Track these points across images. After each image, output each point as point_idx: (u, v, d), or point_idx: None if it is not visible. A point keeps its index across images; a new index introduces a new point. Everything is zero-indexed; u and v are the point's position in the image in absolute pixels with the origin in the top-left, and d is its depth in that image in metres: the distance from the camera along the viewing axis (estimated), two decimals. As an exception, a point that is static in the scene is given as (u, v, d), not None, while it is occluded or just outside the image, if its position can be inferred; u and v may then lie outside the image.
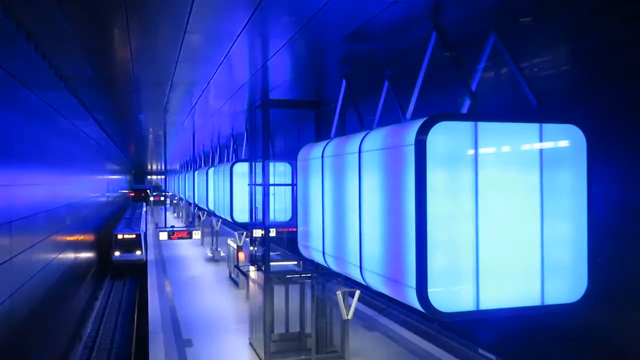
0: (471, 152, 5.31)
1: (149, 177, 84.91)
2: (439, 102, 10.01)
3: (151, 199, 77.85)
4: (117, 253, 29.03)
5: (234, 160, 16.09)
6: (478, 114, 5.76)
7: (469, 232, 5.27)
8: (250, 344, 12.51)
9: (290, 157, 13.79)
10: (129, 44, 7.80)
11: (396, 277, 5.65)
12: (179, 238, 20.49)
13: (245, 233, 19.17)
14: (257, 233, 12.72)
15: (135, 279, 27.66)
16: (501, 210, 5.43)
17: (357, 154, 6.64)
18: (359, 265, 6.58)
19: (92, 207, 24.88)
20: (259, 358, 11.52)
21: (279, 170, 13.68)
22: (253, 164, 12.53)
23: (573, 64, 8.13)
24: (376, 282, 6.27)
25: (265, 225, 11.64)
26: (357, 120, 8.13)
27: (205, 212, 27.69)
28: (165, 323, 14.58)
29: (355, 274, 6.81)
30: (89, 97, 14.61)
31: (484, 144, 5.35)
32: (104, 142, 28.04)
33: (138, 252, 28.86)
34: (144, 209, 52.77)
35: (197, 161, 29.13)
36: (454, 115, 5.46)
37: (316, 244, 8.38)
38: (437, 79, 7.97)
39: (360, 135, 6.71)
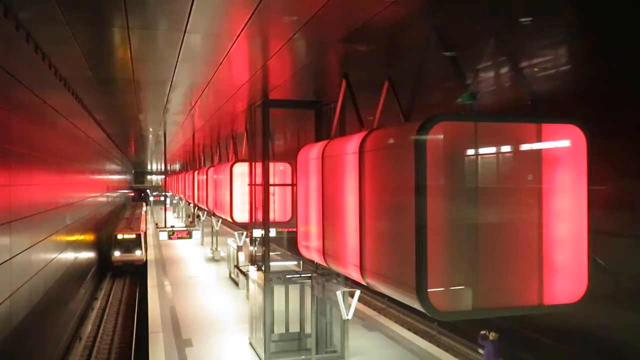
0: (471, 151, 5.32)
1: (149, 177, 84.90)
2: (439, 101, 10.04)
3: (151, 198, 77.91)
4: (117, 253, 29.00)
5: (234, 160, 16.09)
6: (478, 114, 5.77)
7: (468, 232, 5.28)
8: (250, 344, 12.51)
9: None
10: (129, 44, 7.81)
11: (396, 277, 5.65)
12: (179, 238, 20.51)
13: (245, 233, 19.17)
14: (257, 233, 12.72)
15: (136, 279, 27.65)
16: (501, 210, 5.43)
17: (357, 154, 6.64)
18: (359, 265, 6.58)
19: (91, 207, 24.88)
20: (259, 358, 11.53)
21: (279, 170, 13.70)
22: (253, 164, 12.53)
23: (573, 64, 8.14)
24: (376, 282, 6.27)
25: (265, 225, 11.65)
26: (357, 120, 8.14)
27: (205, 212, 27.69)
28: (165, 323, 14.58)
29: (355, 274, 6.81)
30: (89, 97, 14.63)
31: (483, 144, 5.36)
32: (103, 142, 28.05)
33: (138, 252, 28.83)
34: (144, 208, 52.73)
35: (197, 161, 29.12)
36: (454, 115, 5.47)
37: (316, 244, 8.38)
38: (436, 78, 7.98)
39: (361, 135, 6.71)
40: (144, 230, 32.37)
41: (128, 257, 28.88)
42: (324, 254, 8.04)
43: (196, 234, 21.77)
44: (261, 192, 11.69)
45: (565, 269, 5.51)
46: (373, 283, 6.36)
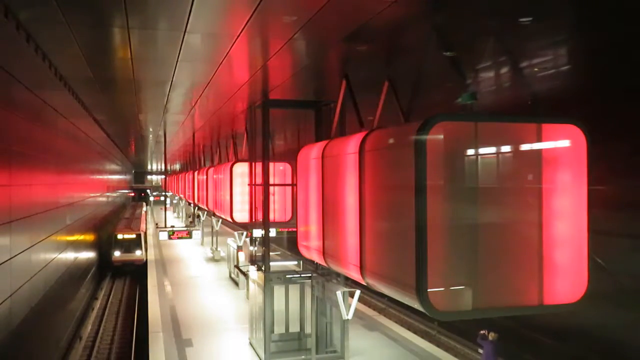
0: (471, 151, 5.32)
1: (149, 177, 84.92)
2: (439, 101, 10.03)
3: (151, 198, 77.91)
4: (117, 253, 29.00)
5: (234, 160, 16.10)
6: (478, 114, 5.77)
7: (469, 232, 5.28)
8: (250, 343, 12.51)
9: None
10: (129, 44, 7.81)
11: (396, 277, 5.65)
12: (179, 238, 20.51)
13: (245, 233, 19.17)
14: (257, 233, 12.72)
15: (136, 279, 27.66)
16: (501, 210, 5.43)
17: (357, 154, 6.64)
18: (359, 265, 6.59)
19: (91, 207, 24.88)
20: (259, 358, 11.53)
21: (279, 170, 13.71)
22: (253, 164, 12.53)
23: (573, 64, 8.14)
24: (376, 282, 6.27)
25: (265, 225, 11.64)
26: (357, 120, 8.14)
27: (205, 212, 27.70)
28: (165, 323, 14.58)
29: (355, 274, 6.81)
30: (89, 97, 14.63)
31: (483, 144, 5.36)
32: (103, 142, 28.05)
33: (138, 252, 28.83)
34: (144, 208, 52.74)
35: (197, 161, 29.12)
36: (454, 115, 5.47)
37: (316, 244, 8.38)
38: (436, 78, 7.99)
39: (360, 135, 6.71)
40: (144, 230, 32.36)
41: (128, 257, 28.88)
42: (324, 254, 8.04)
43: (196, 234, 21.77)
44: (261, 192, 11.69)
45: (565, 269, 5.51)
46: (373, 283, 6.36)
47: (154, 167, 68.12)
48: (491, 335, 10.92)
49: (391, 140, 6.13)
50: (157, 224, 35.19)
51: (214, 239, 25.77)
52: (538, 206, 5.49)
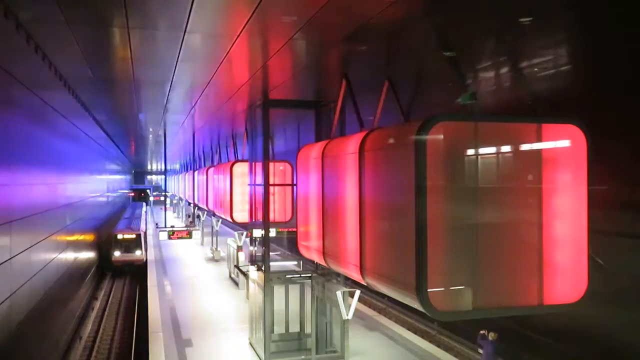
0: (471, 151, 5.32)
1: (148, 177, 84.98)
2: (439, 101, 10.05)
3: (151, 198, 77.93)
4: (117, 253, 29.00)
5: (234, 160, 16.10)
6: (478, 114, 5.78)
7: (469, 232, 5.28)
8: (250, 343, 12.50)
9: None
10: (129, 44, 7.81)
11: (396, 277, 5.65)
12: (179, 238, 20.50)
13: (245, 233, 19.17)
14: (257, 233, 12.72)
15: (136, 279, 27.66)
16: (501, 210, 5.43)
17: (357, 154, 6.64)
18: (359, 265, 6.59)
19: (91, 207, 24.89)
20: (259, 358, 11.52)
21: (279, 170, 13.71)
22: (253, 164, 12.53)
23: (573, 64, 8.13)
24: (376, 282, 6.27)
25: (265, 225, 11.64)
26: (357, 120, 8.14)
27: (205, 212, 27.71)
28: (165, 323, 14.57)
29: (355, 274, 6.81)
30: (89, 97, 14.63)
31: (483, 144, 5.36)
32: (103, 142, 28.06)
33: (138, 252, 28.83)
34: (144, 208, 52.73)
35: (197, 161, 29.13)
36: (454, 115, 5.48)
37: (316, 244, 8.38)
38: (436, 78, 7.99)
39: (360, 135, 6.71)
40: (144, 231, 32.36)
41: (128, 257, 28.87)
42: (324, 254, 8.04)
43: (196, 234, 21.77)
44: (261, 192, 11.69)
45: (565, 269, 5.51)
46: (373, 283, 6.36)
47: (154, 167, 68.15)
48: (491, 335, 10.92)
49: (391, 140, 6.13)
50: (157, 224, 35.18)
51: (214, 239, 25.77)
52: (538, 206, 5.49)
